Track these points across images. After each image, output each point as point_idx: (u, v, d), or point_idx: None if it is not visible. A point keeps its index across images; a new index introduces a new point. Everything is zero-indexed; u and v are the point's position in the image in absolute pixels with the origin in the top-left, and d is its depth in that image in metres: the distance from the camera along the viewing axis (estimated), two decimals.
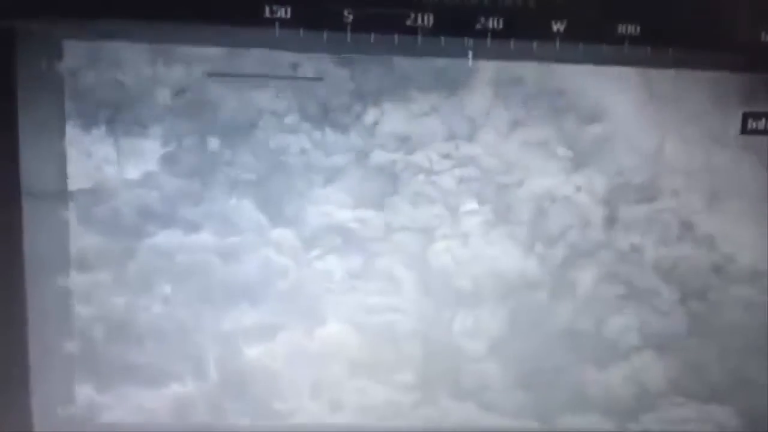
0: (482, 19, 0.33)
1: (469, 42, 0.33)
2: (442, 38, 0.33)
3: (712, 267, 0.36)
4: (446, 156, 0.34)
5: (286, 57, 0.33)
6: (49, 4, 0.31)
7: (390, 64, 0.34)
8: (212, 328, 0.35)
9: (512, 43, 0.33)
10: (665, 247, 0.36)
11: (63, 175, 0.34)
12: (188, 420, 0.36)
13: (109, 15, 0.32)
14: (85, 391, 0.36)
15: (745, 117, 0.36)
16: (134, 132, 0.34)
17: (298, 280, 0.35)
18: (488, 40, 0.33)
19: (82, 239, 0.34)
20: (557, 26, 0.33)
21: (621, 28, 0.33)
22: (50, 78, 0.33)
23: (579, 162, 0.35)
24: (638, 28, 0.33)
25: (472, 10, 0.33)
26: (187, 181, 0.34)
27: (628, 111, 0.35)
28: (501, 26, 0.33)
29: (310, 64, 0.33)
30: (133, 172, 0.34)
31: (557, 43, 0.33)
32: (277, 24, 0.32)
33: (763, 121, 0.36)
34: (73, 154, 0.34)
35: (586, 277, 0.36)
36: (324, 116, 0.34)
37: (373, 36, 0.33)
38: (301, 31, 0.32)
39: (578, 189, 0.35)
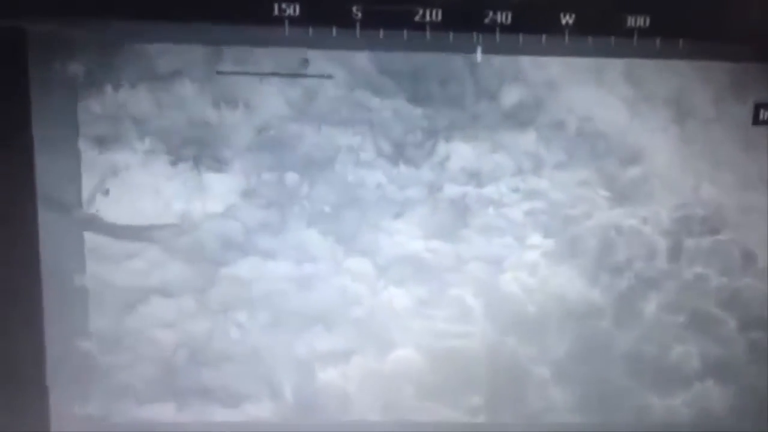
0: (490, 14, 0.33)
1: (479, 37, 0.33)
2: (451, 33, 0.33)
3: None
4: (515, 189, 0.35)
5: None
6: (60, 5, 0.32)
7: (462, 105, 0.35)
8: (287, 352, 0.36)
9: (521, 37, 0.33)
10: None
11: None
12: None
13: (117, 16, 0.32)
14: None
15: (757, 107, 0.36)
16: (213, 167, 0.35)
17: (371, 307, 0.36)
18: (497, 35, 0.33)
19: None
20: (566, 19, 0.33)
21: (630, 20, 0.33)
22: (63, 79, 0.33)
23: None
24: (648, 20, 0.33)
25: (480, 4, 0.33)
26: (267, 213, 0.35)
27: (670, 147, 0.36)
28: (509, 20, 0.33)
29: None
30: (215, 206, 0.35)
31: (566, 37, 0.33)
32: (286, 22, 0.32)
33: None
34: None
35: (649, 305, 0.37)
36: (398, 152, 0.35)
37: (382, 32, 0.33)
38: (310, 28, 0.32)
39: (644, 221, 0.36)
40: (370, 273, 0.36)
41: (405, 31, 0.33)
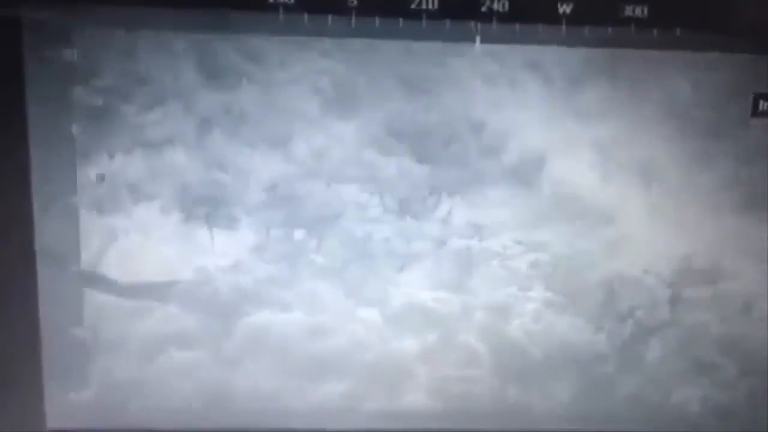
0: (487, 2, 0.33)
1: (477, 26, 0.33)
2: (447, 22, 0.33)
3: None
4: (518, 242, 0.36)
5: None
6: None
7: (467, 162, 0.35)
8: (300, 398, 0.37)
9: (518, 27, 0.33)
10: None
11: None
12: None
13: (111, 2, 0.32)
14: None
15: (756, 99, 0.35)
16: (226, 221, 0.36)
17: (381, 354, 0.37)
18: (493, 24, 0.33)
19: None
20: (563, 8, 0.33)
21: (628, 10, 0.33)
22: (59, 68, 0.33)
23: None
24: (645, 10, 0.33)
25: None
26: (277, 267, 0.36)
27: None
28: (506, 9, 0.33)
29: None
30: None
31: (563, 26, 0.33)
32: (281, 9, 0.32)
33: None
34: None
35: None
36: (404, 208, 0.36)
37: (377, 20, 0.33)
38: (306, 16, 0.32)
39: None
40: (379, 323, 0.37)
41: (401, 20, 0.33)
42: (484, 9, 0.33)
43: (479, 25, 0.33)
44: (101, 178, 0.34)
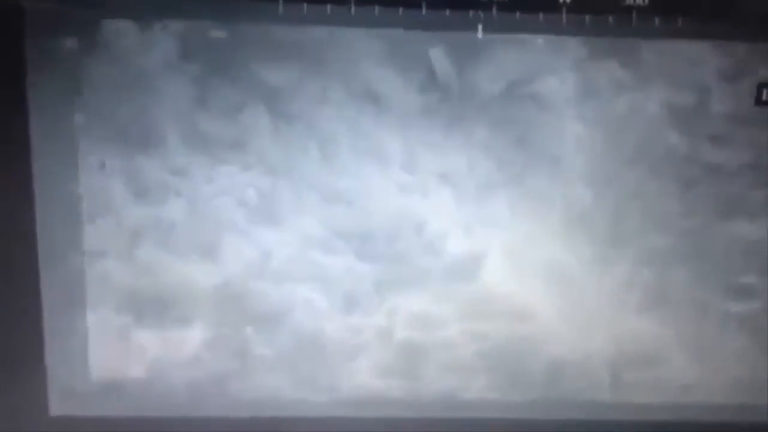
0: None
1: (478, 15, 0.33)
2: (447, 11, 0.33)
3: None
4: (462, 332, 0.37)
5: None
6: None
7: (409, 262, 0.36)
8: None
9: (518, 15, 0.33)
10: None
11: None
12: None
13: None
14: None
15: (760, 87, 0.35)
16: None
17: None
18: (494, 12, 0.33)
19: None
20: None
21: None
22: (61, 57, 0.33)
23: None
24: None
25: None
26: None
27: None
28: None
29: None
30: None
31: (563, 15, 0.33)
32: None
33: None
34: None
35: None
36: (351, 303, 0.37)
37: (377, 9, 0.33)
38: (305, 5, 0.32)
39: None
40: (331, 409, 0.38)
41: (400, 9, 0.33)
42: None
43: (481, 14, 0.33)
44: (102, 166, 0.34)
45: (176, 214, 0.35)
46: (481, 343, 0.37)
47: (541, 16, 0.33)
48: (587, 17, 0.33)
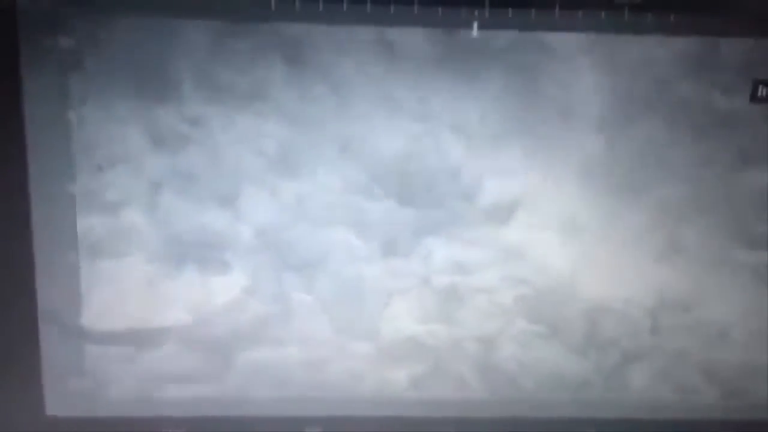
0: None
1: (473, 12, 0.33)
2: (440, 9, 0.33)
3: None
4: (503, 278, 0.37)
5: None
6: None
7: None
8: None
9: (510, 12, 0.33)
10: None
11: None
12: None
13: None
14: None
15: (755, 84, 0.35)
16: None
17: (376, 382, 0.38)
18: (486, 10, 0.33)
19: None
20: None
21: None
22: (54, 57, 0.33)
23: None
24: None
25: None
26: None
27: None
28: None
29: None
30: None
31: (556, 11, 0.33)
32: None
33: None
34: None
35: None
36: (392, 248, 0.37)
37: (369, 6, 0.33)
38: (297, 2, 0.32)
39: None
40: (372, 354, 0.38)
41: (392, 6, 0.33)
42: None
43: (476, 11, 0.33)
44: (99, 168, 0.35)
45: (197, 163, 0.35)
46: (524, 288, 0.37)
47: (533, 12, 0.33)
48: (580, 13, 0.33)
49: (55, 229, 0.35)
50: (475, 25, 0.34)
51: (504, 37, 0.34)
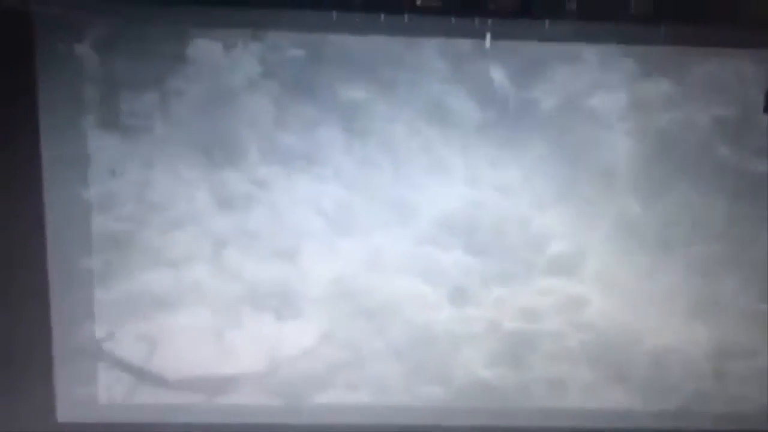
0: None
1: (486, 22, 0.33)
2: (453, 18, 0.33)
3: None
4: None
5: None
6: None
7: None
8: None
9: (524, 23, 0.33)
10: None
11: None
12: None
13: None
14: None
15: None
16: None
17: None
18: (500, 20, 0.33)
19: None
20: (570, 5, 0.33)
21: (635, 6, 0.33)
22: (70, 62, 0.34)
23: None
24: (652, 5, 0.33)
25: None
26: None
27: None
28: (513, 5, 0.33)
29: None
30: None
31: (571, 22, 0.33)
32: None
33: None
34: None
35: None
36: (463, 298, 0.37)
37: (383, 16, 0.33)
38: (308, 12, 0.33)
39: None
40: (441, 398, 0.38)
41: (405, 16, 0.33)
42: (491, 6, 0.33)
43: (489, 21, 0.33)
44: (113, 172, 0.35)
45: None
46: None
47: (547, 23, 0.33)
48: (594, 24, 0.33)
49: (66, 236, 0.35)
50: (488, 35, 0.34)
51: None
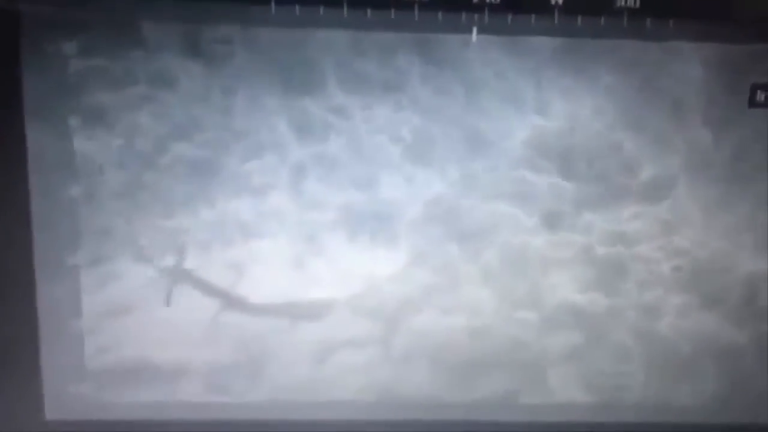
0: None
1: (472, 17, 0.33)
2: (440, 13, 0.33)
3: None
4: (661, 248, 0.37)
5: None
6: None
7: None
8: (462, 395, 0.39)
9: (510, 18, 0.33)
10: None
11: None
12: None
13: None
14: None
15: (753, 89, 0.35)
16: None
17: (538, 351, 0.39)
18: (486, 15, 0.33)
19: None
20: None
21: (620, 0, 0.33)
22: (56, 63, 0.33)
23: None
24: (638, 0, 0.33)
25: None
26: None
27: None
28: (499, 0, 0.33)
29: None
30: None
31: (555, 17, 0.33)
32: (273, 1, 0.33)
33: None
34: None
35: None
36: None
37: (369, 12, 0.33)
38: (297, 7, 0.33)
39: None
40: (536, 323, 0.38)
41: (392, 11, 0.33)
42: (476, 0, 0.33)
43: (475, 16, 0.33)
44: (100, 169, 0.35)
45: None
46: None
47: (533, 18, 0.33)
48: (579, 18, 0.34)
49: (53, 234, 0.35)
50: (474, 30, 0.34)
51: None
